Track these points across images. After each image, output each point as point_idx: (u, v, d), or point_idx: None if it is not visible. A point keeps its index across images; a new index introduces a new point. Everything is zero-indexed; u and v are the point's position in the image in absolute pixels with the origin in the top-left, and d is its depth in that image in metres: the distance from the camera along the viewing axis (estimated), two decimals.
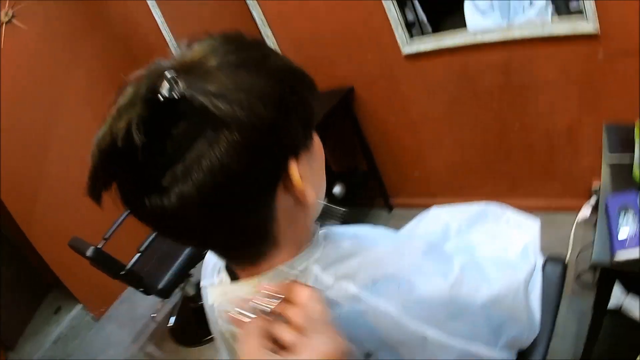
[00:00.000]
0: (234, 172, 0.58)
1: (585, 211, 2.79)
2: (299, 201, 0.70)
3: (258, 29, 3.17)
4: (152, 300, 2.95)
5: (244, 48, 0.65)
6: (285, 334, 0.60)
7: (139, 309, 3.53)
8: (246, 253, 0.73)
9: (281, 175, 0.66)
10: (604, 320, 1.89)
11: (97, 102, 3.56)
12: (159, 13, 3.45)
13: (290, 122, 0.65)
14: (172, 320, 3.22)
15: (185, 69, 0.60)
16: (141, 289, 2.84)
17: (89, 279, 3.27)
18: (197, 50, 0.63)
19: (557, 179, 2.96)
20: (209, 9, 3.36)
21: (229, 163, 0.57)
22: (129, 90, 0.59)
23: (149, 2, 3.43)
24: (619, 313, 2.07)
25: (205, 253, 0.93)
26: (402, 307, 0.76)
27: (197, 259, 3.01)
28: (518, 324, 1.00)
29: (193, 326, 3.25)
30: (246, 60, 0.62)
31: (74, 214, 3.37)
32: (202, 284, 0.93)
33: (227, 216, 0.64)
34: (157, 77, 0.58)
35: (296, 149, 0.68)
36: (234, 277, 0.80)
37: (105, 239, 2.91)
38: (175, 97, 0.57)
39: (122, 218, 2.95)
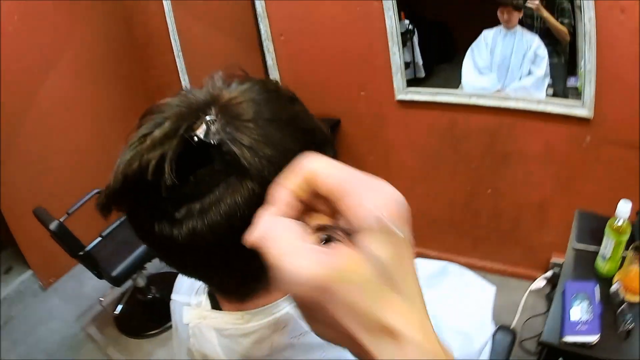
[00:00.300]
0: (249, 221, 0.51)
1: (540, 282, 2.87)
2: None
3: (261, 42, 3.16)
4: (102, 283, 2.92)
5: (279, 103, 0.65)
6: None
7: (87, 289, 3.47)
8: (238, 290, 0.74)
9: None
10: None
11: (85, 76, 3.57)
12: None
13: None
14: (119, 308, 3.20)
15: (222, 111, 0.60)
16: (95, 272, 2.83)
17: (44, 247, 3.22)
18: (235, 94, 0.63)
19: (518, 247, 3.02)
20: (218, 5, 3.37)
21: (246, 211, 0.57)
22: (167, 126, 0.59)
23: None
24: None
25: None
26: None
27: (154, 254, 2.95)
28: None
29: (138, 318, 3.24)
30: (279, 117, 0.62)
31: (43, 180, 3.35)
32: (173, 297, 0.94)
33: (231, 258, 0.63)
34: (196, 117, 0.59)
35: None
36: (214, 302, 0.81)
37: (69, 214, 2.89)
38: (212, 143, 0.58)
39: (88, 196, 2.96)
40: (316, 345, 0.74)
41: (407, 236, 0.42)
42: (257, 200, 0.56)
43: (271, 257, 0.40)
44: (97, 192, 3.04)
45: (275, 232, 0.41)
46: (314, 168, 0.44)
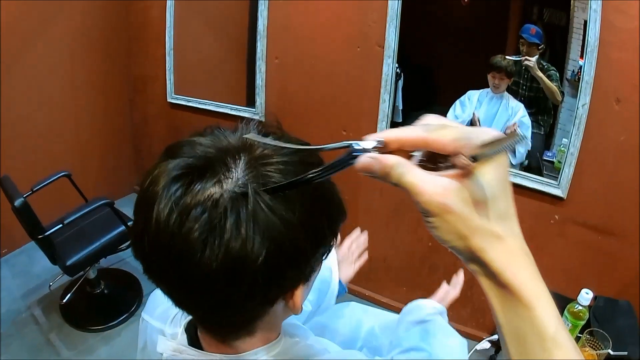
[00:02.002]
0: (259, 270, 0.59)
1: (485, 344, 2.86)
2: (289, 309, 0.72)
3: (255, 60, 3.12)
4: (48, 267, 2.85)
5: (303, 168, 0.63)
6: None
7: (37, 268, 3.35)
8: (221, 331, 0.75)
9: (289, 290, 0.68)
10: None
11: (70, 50, 3.50)
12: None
13: (317, 250, 0.68)
14: (67, 297, 3.09)
15: (251, 163, 0.61)
16: (49, 257, 2.74)
17: (2, 217, 3.16)
18: (269, 151, 0.63)
19: (468, 306, 2.99)
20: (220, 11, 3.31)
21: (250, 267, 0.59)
22: (217, 191, 0.59)
23: None
24: None
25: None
26: None
27: (112, 250, 2.96)
28: None
29: (84, 310, 3.14)
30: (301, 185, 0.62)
31: (12, 148, 3.24)
32: (145, 317, 0.94)
33: (231, 300, 0.64)
34: (224, 163, 0.61)
35: (310, 276, 0.72)
36: (191, 338, 0.82)
37: (33, 190, 2.81)
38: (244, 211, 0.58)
39: (55, 177, 2.91)
40: None
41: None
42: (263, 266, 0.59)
43: (407, 180, 0.51)
44: (64, 175, 2.97)
45: (407, 164, 0.52)
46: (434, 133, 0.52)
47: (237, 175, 0.60)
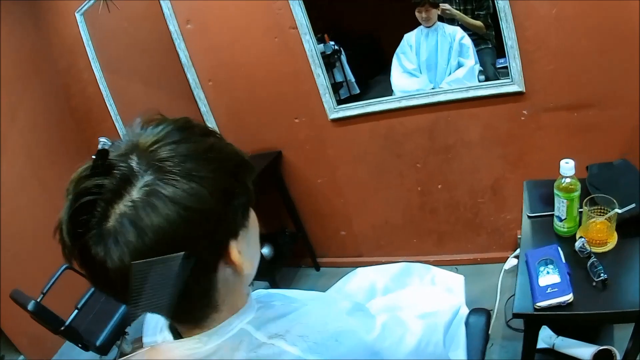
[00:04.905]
0: (180, 247, 0.62)
1: (512, 261, 2.78)
2: (237, 272, 0.74)
3: (192, 91, 3.12)
4: (91, 355, 2.81)
5: (192, 138, 0.68)
6: None
7: None
8: (189, 316, 0.76)
9: (222, 253, 0.71)
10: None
11: (34, 157, 3.50)
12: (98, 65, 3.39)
13: (232, 208, 0.70)
14: None
15: (143, 156, 0.64)
16: (80, 345, 2.70)
17: (30, 330, 3.10)
18: (152, 138, 0.66)
19: (483, 232, 2.92)
20: (146, 65, 3.32)
21: (175, 238, 0.62)
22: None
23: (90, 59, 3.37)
24: (553, 351, 2.05)
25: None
26: None
27: (131, 317, 2.87)
28: None
29: None
30: (194, 152, 0.66)
31: (15, 265, 3.25)
32: (144, 340, 0.92)
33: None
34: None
35: (236, 231, 0.72)
36: (176, 334, 0.82)
37: (44, 293, 2.79)
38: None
39: (59, 272, 2.87)
40: (274, 355, 0.76)
41: None
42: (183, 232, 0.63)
43: None
44: (67, 268, 2.93)
45: None
46: None
47: (135, 168, 0.63)
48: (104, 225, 0.62)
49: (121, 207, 0.62)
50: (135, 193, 0.62)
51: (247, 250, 0.76)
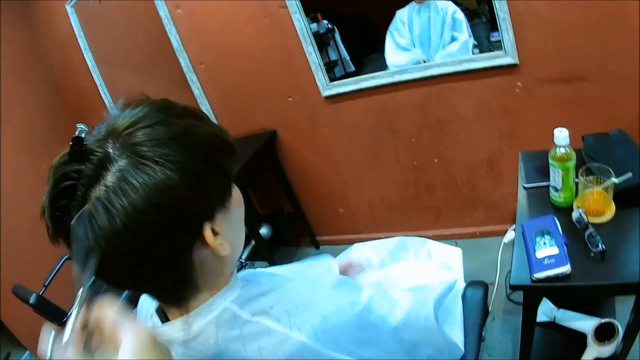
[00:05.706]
0: (151, 231, 0.64)
1: (510, 234, 2.75)
2: (214, 251, 0.73)
3: (184, 74, 3.09)
4: None
5: (168, 120, 0.68)
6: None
7: None
8: (172, 298, 0.77)
9: (197, 235, 0.70)
10: (541, 333, 1.98)
11: (32, 143, 3.46)
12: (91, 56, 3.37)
13: (205, 191, 0.69)
14: None
15: (118, 142, 0.65)
16: None
17: (33, 324, 3.04)
18: (128, 122, 0.66)
19: (480, 206, 2.91)
20: (139, 53, 3.29)
21: (145, 223, 0.63)
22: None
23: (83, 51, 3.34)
24: (554, 324, 2.04)
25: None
26: (314, 337, 0.78)
27: (135, 302, 2.85)
28: (433, 342, 1.04)
29: None
30: (169, 135, 0.66)
31: (15, 261, 3.23)
32: None
33: (148, 264, 0.67)
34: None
35: (211, 213, 0.71)
36: (165, 317, 0.82)
37: (45, 286, 2.75)
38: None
39: (59, 264, 2.83)
40: (259, 332, 0.76)
41: None
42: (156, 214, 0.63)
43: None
44: (67, 258, 2.91)
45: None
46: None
47: (111, 153, 0.64)
48: (83, 208, 0.62)
49: (97, 191, 0.62)
50: (110, 178, 0.62)
51: (228, 231, 0.75)
